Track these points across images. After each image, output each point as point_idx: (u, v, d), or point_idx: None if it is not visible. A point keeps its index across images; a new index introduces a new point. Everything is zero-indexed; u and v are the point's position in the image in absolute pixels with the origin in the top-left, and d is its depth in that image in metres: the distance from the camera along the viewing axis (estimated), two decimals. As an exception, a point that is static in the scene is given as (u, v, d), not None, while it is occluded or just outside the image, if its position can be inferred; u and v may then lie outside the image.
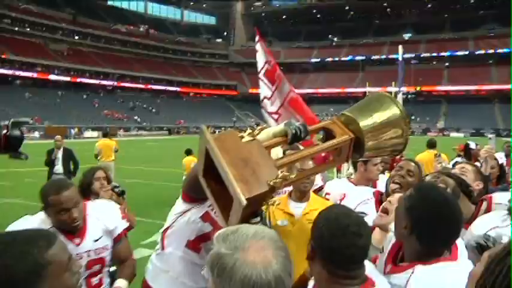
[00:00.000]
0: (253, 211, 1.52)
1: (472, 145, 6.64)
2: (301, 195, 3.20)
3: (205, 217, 2.12)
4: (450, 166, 5.15)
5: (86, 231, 2.53)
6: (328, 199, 3.53)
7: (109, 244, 2.64)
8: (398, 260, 1.78)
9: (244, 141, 1.61)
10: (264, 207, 1.58)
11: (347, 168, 9.38)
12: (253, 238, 1.00)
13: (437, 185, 2.00)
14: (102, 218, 2.65)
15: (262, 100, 6.13)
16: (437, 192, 1.69)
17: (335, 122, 1.86)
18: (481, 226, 2.29)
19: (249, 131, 1.67)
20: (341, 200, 3.19)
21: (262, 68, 6.20)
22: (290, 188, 3.31)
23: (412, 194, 1.69)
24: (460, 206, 1.70)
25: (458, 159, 5.61)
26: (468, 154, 6.39)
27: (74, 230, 2.47)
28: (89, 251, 2.52)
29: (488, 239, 2.05)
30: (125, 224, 2.76)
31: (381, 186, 3.71)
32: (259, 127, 1.72)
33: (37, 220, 2.46)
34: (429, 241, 1.60)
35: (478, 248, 2.05)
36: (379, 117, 1.85)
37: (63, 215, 2.38)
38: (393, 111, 1.87)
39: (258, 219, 1.54)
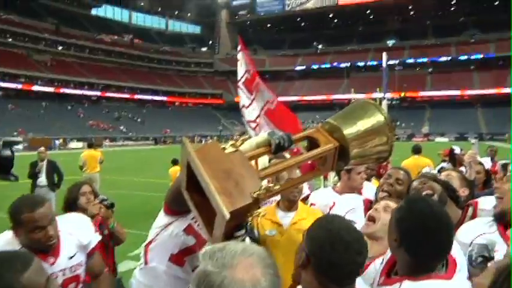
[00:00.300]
0: (238, 223, 1.48)
1: (457, 150, 6.69)
2: (289, 205, 3.18)
3: (189, 230, 2.06)
4: (436, 172, 5.16)
5: (60, 248, 2.39)
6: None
7: (83, 260, 2.52)
8: (393, 273, 1.75)
9: (227, 152, 1.57)
10: (249, 219, 1.55)
11: (333, 175, 9.38)
12: (241, 255, 0.97)
13: (426, 197, 1.98)
14: (76, 232, 2.51)
15: (241, 108, 6.23)
16: (425, 204, 1.67)
17: (319, 131, 1.82)
18: (468, 233, 2.28)
19: (231, 141, 1.63)
20: (330, 208, 3.17)
21: (242, 77, 6.31)
22: (278, 198, 3.28)
23: (401, 205, 1.69)
24: (450, 218, 1.68)
25: (444, 164, 5.66)
26: (453, 159, 6.43)
27: (48, 248, 2.31)
28: (64, 269, 2.38)
29: (473, 249, 2.04)
30: (98, 238, 2.66)
31: (366, 194, 3.72)
32: (241, 138, 1.68)
33: (1, 242, 2.29)
34: (417, 254, 1.57)
35: (469, 259, 2.03)
36: (363, 124, 1.82)
37: (37, 233, 2.22)
38: (377, 118, 1.84)
39: (243, 231, 1.51)
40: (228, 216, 1.35)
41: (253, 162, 1.68)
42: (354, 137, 1.77)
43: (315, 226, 1.53)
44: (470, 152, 4.64)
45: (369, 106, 1.87)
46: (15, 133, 49.25)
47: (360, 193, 3.73)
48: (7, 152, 1.11)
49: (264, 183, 1.54)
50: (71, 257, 2.43)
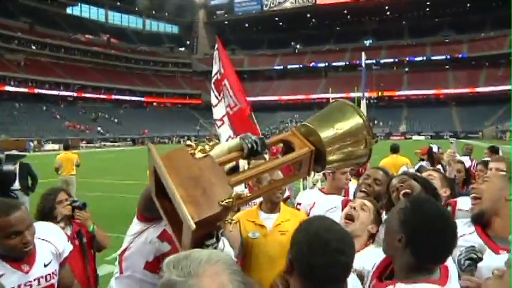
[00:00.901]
0: (208, 232, 1.43)
1: (435, 148, 6.77)
2: (272, 207, 3.15)
3: (163, 236, 2.00)
4: (413, 171, 5.21)
5: (35, 255, 2.26)
6: (299, 209, 3.50)
7: (57, 269, 2.40)
8: (385, 276, 1.72)
9: (197, 158, 1.51)
10: (221, 228, 1.51)
11: (312, 175, 9.40)
12: (207, 263, 0.94)
13: (432, 198, 1.91)
14: (50, 239, 2.40)
15: (212, 107, 6.50)
16: (431, 204, 1.67)
17: (294, 134, 1.76)
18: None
19: (200, 147, 1.57)
20: (311, 208, 3.17)
21: (213, 77, 6.49)
22: (260, 199, 3.25)
23: (407, 206, 1.65)
24: (454, 220, 1.68)
25: (423, 163, 5.70)
26: (431, 158, 6.51)
27: (23, 255, 2.18)
28: (39, 278, 2.25)
29: (461, 253, 2.03)
30: (71, 247, 2.55)
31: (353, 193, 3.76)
32: (211, 142, 1.63)
33: None
34: (422, 255, 1.56)
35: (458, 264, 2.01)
36: (340, 127, 1.76)
37: (13, 239, 2.10)
38: (355, 120, 1.78)
39: (214, 240, 1.45)
40: (193, 226, 1.31)
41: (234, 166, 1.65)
42: (331, 141, 1.72)
43: (296, 229, 1.49)
44: (449, 151, 4.66)
45: (347, 108, 1.81)
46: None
47: (347, 193, 3.75)
48: (9, 167, 1.01)
49: (240, 189, 1.50)
50: (46, 265, 2.31)
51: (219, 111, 6.35)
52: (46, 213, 3.25)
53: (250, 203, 3.56)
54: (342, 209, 2.92)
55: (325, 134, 1.73)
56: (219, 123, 6.35)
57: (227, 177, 1.51)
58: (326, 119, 1.81)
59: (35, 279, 2.23)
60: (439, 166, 5.62)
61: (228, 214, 1.46)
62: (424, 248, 1.55)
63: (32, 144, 46.91)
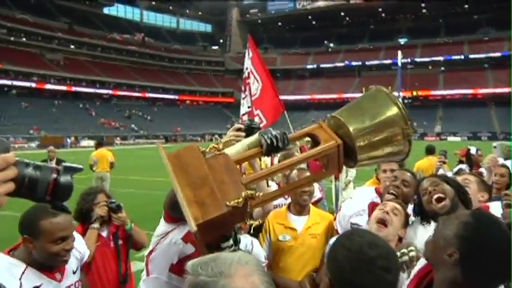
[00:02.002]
0: (222, 234, 1.38)
1: (473, 150, 6.50)
2: (300, 209, 3.08)
3: (187, 237, 1.96)
4: (451, 174, 5.00)
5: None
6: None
7: (80, 277, 2.36)
8: (423, 287, 1.61)
9: (208, 156, 1.46)
10: (241, 230, 1.44)
11: (345, 176, 9.18)
12: (238, 264, 0.95)
13: (500, 220, 1.64)
14: (76, 246, 2.32)
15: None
16: (501, 229, 1.46)
17: (321, 127, 1.64)
18: None
19: (211, 145, 1.52)
20: (336, 213, 3.08)
21: (243, 74, 6.78)
22: (289, 200, 3.19)
23: (469, 222, 1.45)
24: None
25: (463, 166, 5.42)
26: (469, 160, 6.26)
27: (60, 265, 2.10)
28: (70, 286, 2.21)
29: None
30: (88, 251, 2.53)
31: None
32: (222, 140, 1.58)
33: (4, 264, 2.00)
34: (475, 277, 1.39)
35: None
36: (372, 118, 1.59)
37: (58, 244, 2.01)
38: (390, 109, 1.60)
39: (230, 242, 1.41)
40: (194, 228, 1.28)
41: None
42: (361, 133, 1.57)
43: (333, 245, 1.38)
44: (491, 156, 4.31)
45: (380, 95, 1.65)
46: (31, 131, 49.81)
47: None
48: (67, 179, 0.97)
49: (272, 189, 1.43)
50: (75, 272, 2.28)
51: (242, 109, 6.56)
52: (84, 213, 3.24)
53: (278, 204, 3.50)
54: (370, 213, 2.85)
55: (355, 125, 1.59)
56: (244, 118, 6.50)
57: (240, 176, 1.45)
58: (357, 109, 1.68)
59: (66, 287, 2.18)
60: (482, 169, 5.34)
61: (243, 215, 1.39)
62: (478, 271, 1.38)
63: (69, 140, 48.32)
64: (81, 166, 1.19)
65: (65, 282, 2.16)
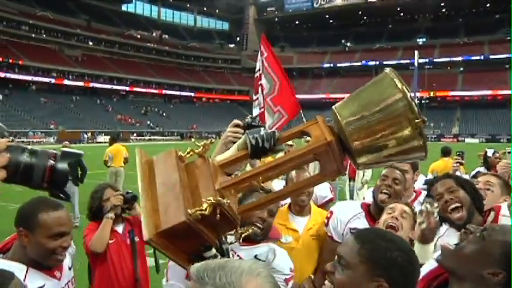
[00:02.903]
0: (199, 243, 1.30)
1: (489, 152, 6.36)
2: (300, 210, 3.04)
3: None
4: (468, 177, 4.87)
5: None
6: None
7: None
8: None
9: (188, 161, 1.40)
10: (225, 241, 1.39)
11: (362, 175, 9.01)
12: (249, 275, 0.89)
13: None
14: None
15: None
16: None
17: (316, 123, 1.44)
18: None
19: (188, 149, 1.44)
20: (328, 219, 2.96)
21: (255, 75, 6.64)
22: (288, 200, 3.13)
23: None
24: None
25: (480, 169, 5.24)
26: (487, 163, 6.14)
27: (54, 264, 2.00)
28: (68, 282, 2.16)
29: None
30: (74, 247, 2.41)
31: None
32: (203, 142, 1.45)
33: (10, 268, 1.88)
34: None
35: None
36: (370, 107, 1.33)
37: (56, 240, 1.90)
38: (393, 96, 1.31)
39: (213, 252, 1.32)
40: (146, 237, 1.22)
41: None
42: (356, 126, 1.33)
43: (381, 250, 1.29)
44: (503, 162, 4.06)
45: (385, 80, 1.38)
46: (52, 126, 50.56)
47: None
48: (65, 166, 0.92)
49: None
50: (70, 268, 2.23)
51: (254, 109, 6.45)
52: (95, 212, 3.26)
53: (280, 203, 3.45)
54: (366, 215, 2.83)
55: (348, 118, 1.36)
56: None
57: (214, 181, 1.35)
58: (355, 98, 1.42)
59: (65, 284, 2.14)
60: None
61: (227, 224, 1.31)
62: None
63: (86, 136, 48.93)
64: (81, 152, 1.13)
65: (63, 280, 2.09)
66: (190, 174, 1.37)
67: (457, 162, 4.98)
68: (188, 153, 1.42)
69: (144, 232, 1.23)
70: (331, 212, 2.96)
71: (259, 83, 6.33)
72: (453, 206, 2.25)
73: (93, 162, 11.41)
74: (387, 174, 2.86)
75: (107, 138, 50.82)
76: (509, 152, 4.46)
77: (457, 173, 4.46)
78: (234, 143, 1.59)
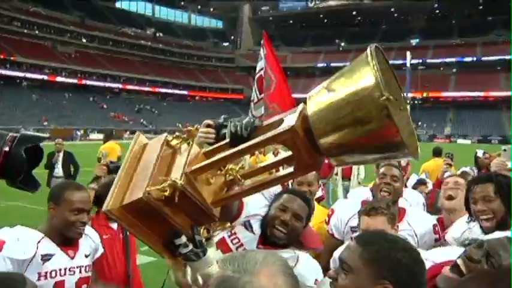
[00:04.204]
0: (169, 227, 1.29)
1: (479, 153, 6.44)
2: None
3: (219, 245, 1.92)
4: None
5: (79, 244, 2.40)
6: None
7: (92, 266, 2.49)
8: None
9: (171, 145, 1.44)
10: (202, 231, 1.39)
11: (356, 174, 8.94)
12: (264, 263, 0.94)
13: None
14: (91, 235, 2.54)
15: (250, 102, 6.41)
16: None
17: (295, 110, 1.32)
18: (456, 230, 2.47)
19: (174, 135, 1.49)
20: (329, 216, 3.00)
21: (257, 74, 6.44)
22: None
23: None
24: None
25: (466, 169, 5.33)
26: (476, 163, 6.21)
27: (74, 238, 2.32)
28: (81, 267, 2.36)
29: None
30: (102, 250, 2.64)
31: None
32: (188, 128, 1.54)
33: (25, 231, 2.26)
34: None
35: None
36: (338, 88, 1.17)
37: (76, 215, 2.24)
38: (361, 73, 1.14)
39: (183, 240, 1.30)
40: (104, 208, 1.27)
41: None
42: (323, 114, 1.19)
43: (388, 251, 1.25)
44: (498, 160, 4.04)
45: (362, 56, 1.22)
46: (45, 123, 50.24)
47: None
48: (20, 151, 0.82)
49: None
50: (87, 256, 2.43)
51: (258, 110, 6.27)
52: (102, 199, 3.27)
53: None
54: None
55: (315, 102, 1.21)
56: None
57: (187, 165, 1.35)
58: (332, 79, 1.27)
59: (77, 267, 2.34)
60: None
61: (204, 215, 1.32)
62: None
63: (78, 133, 48.68)
64: (43, 135, 1.03)
65: (76, 261, 2.34)
66: (171, 158, 1.40)
67: (447, 164, 5.06)
68: (174, 138, 1.45)
69: (105, 203, 1.27)
70: (332, 210, 3.00)
71: (261, 84, 6.25)
72: (485, 216, 2.25)
73: (86, 160, 11.36)
74: (385, 172, 2.87)
75: (100, 135, 50.61)
76: (504, 150, 4.50)
77: (447, 174, 4.52)
78: (208, 144, 1.61)
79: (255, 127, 1.37)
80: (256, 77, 6.48)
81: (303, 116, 1.25)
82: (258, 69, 6.44)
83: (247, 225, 2.10)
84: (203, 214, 1.33)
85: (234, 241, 2.07)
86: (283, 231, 2.05)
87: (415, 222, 2.73)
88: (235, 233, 2.09)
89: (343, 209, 2.95)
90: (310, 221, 2.27)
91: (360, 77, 1.14)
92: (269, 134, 1.26)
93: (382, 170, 2.94)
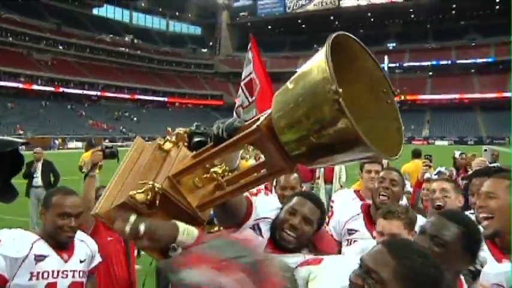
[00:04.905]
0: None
1: (456, 154, 6.61)
2: None
3: None
4: (434, 176, 5.05)
5: (74, 248, 2.44)
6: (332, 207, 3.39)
7: (87, 271, 2.51)
8: None
9: (163, 149, 1.45)
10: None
11: (338, 177, 9.00)
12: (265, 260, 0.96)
13: None
14: (87, 241, 2.57)
15: (237, 108, 6.28)
16: None
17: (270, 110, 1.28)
18: None
19: (168, 138, 1.50)
20: (329, 218, 3.05)
21: (246, 78, 6.31)
22: None
23: None
24: None
25: (441, 169, 5.47)
26: (454, 164, 6.36)
27: (64, 242, 2.35)
28: (74, 271, 2.40)
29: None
30: (100, 259, 2.65)
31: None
32: (177, 131, 1.50)
33: (17, 234, 2.31)
34: None
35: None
36: (297, 85, 1.11)
37: (63, 219, 2.29)
38: (315, 65, 1.09)
39: (179, 251, 1.24)
40: (93, 211, 1.29)
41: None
42: (281, 111, 1.13)
43: (418, 263, 1.23)
44: (480, 159, 4.18)
45: (321, 50, 1.13)
46: (21, 132, 49.21)
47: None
48: None
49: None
50: (82, 261, 2.46)
51: (248, 114, 6.15)
52: None
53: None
54: (365, 216, 2.88)
55: (275, 102, 1.17)
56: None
57: (172, 170, 1.35)
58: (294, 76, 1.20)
59: (71, 271, 2.38)
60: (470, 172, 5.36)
61: (191, 217, 1.30)
62: None
63: (56, 142, 47.86)
64: (19, 140, 0.99)
65: (70, 265, 2.38)
66: (162, 162, 1.40)
67: (426, 165, 5.19)
68: (166, 142, 1.46)
69: (96, 205, 1.29)
70: (332, 212, 3.02)
71: (253, 85, 6.14)
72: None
73: (66, 169, 11.17)
74: (384, 176, 2.89)
75: (79, 144, 49.73)
76: (485, 150, 4.65)
77: (427, 175, 4.63)
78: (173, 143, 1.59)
79: (234, 128, 1.35)
80: (245, 81, 6.38)
81: (270, 115, 1.19)
82: (246, 73, 6.35)
83: (256, 228, 2.04)
84: (190, 218, 1.31)
85: None
86: (292, 235, 1.98)
87: None
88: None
89: (342, 212, 3.01)
90: (323, 224, 2.19)
91: (313, 69, 1.08)
92: (237, 136, 1.24)
93: (381, 173, 2.95)
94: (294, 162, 1.20)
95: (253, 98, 6.07)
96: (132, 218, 1.20)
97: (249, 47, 6.47)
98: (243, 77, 6.42)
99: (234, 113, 6.32)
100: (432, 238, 1.61)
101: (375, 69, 1.25)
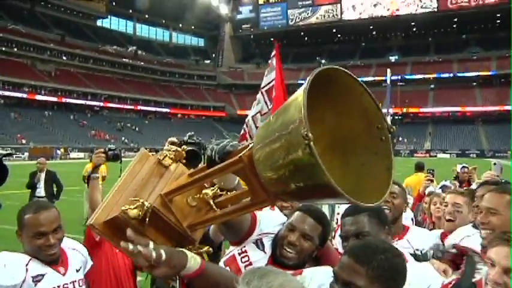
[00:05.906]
0: None
1: (458, 168, 6.59)
2: None
3: (228, 262, 1.94)
4: (438, 189, 5.05)
5: (68, 259, 2.35)
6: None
7: (84, 279, 2.46)
8: None
9: (162, 164, 1.44)
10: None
11: None
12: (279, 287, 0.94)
13: None
14: (78, 248, 2.49)
15: (255, 114, 6.08)
16: None
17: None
18: (455, 237, 2.56)
19: (165, 153, 1.48)
20: (335, 231, 3.04)
21: (268, 84, 6.29)
22: None
23: None
24: None
25: (446, 182, 5.49)
26: (457, 177, 6.36)
27: (47, 259, 2.20)
28: (74, 281, 2.33)
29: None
30: (91, 262, 2.59)
31: None
32: (176, 148, 1.49)
33: (12, 256, 2.18)
34: None
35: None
36: (276, 122, 1.06)
37: (39, 239, 2.11)
38: (294, 101, 1.02)
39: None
40: (89, 222, 1.29)
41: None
42: (260, 146, 1.10)
43: (382, 260, 1.34)
44: (489, 173, 4.08)
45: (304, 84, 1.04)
46: (23, 141, 49.34)
47: None
48: None
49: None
50: (78, 270, 2.39)
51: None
52: None
53: None
54: None
55: (257, 135, 1.15)
56: None
57: (166, 187, 1.35)
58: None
59: (71, 282, 2.30)
60: (473, 186, 5.29)
61: (181, 238, 1.30)
62: None
63: (59, 152, 47.94)
64: (4, 152, 0.98)
65: (68, 277, 2.29)
66: (159, 178, 1.40)
67: (428, 180, 5.19)
68: (164, 157, 1.45)
69: (91, 216, 1.29)
70: (339, 226, 3.02)
71: (272, 95, 6.11)
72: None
73: (68, 179, 11.20)
74: None
75: (81, 154, 49.67)
76: (494, 164, 4.62)
77: (429, 189, 4.63)
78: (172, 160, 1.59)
79: (226, 152, 1.34)
80: (266, 88, 6.31)
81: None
82: (269, 79, 6.31)
83: (259, 244, 1.99)
84: (180, 236, 1.32)
85: (244, 259, 1.98)
86: (291, 252, 1.92)
87: (415, 240, 2.69)
88: (245, 251, 1.99)
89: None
90: (327, 239, 2.12)
91: (291, 105, 1.02)
92: (222, 164, 1.25)
93: None
94: (275, 197, 1.15)
95: (271, 105, 5.98)
96: (151, 243, 1.19)
97: (272, 54, 6.43)
98: (264, 83, 6.36)
99: (250, 121, 6.11)
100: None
101: (370, 104, 1.22)
